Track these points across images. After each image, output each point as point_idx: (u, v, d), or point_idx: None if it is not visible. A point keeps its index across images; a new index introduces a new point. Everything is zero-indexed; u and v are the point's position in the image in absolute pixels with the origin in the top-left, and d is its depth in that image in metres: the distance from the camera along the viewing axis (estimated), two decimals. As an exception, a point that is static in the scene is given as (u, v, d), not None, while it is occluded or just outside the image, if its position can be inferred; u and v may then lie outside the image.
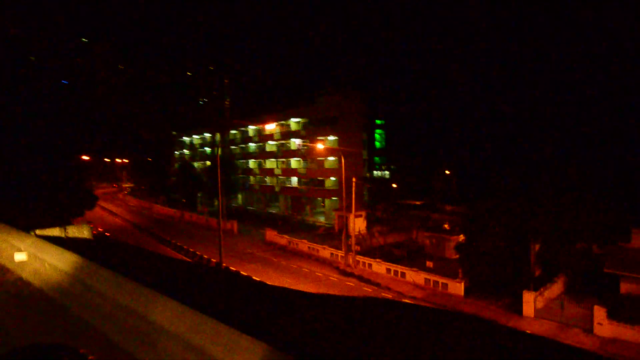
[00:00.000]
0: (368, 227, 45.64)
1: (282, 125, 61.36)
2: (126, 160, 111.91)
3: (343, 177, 33.31)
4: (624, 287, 22.76)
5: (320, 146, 36.32)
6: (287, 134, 58.93)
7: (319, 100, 52.57)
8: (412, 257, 34.45)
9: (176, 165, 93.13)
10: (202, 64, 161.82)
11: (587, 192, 23.45)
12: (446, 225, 36.66)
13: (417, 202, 58.18)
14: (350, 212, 46.64)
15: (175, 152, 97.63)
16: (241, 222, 51.25)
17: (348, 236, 34.43)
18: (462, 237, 34.86)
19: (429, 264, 28.88)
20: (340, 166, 50.68)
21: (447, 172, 63.02)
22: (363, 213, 46.40)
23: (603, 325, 19.29)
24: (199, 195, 72.94)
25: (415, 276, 27.90)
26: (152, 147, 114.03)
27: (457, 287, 25.35)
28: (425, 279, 27.24)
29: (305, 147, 55.51)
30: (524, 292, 21.94)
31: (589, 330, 19.72)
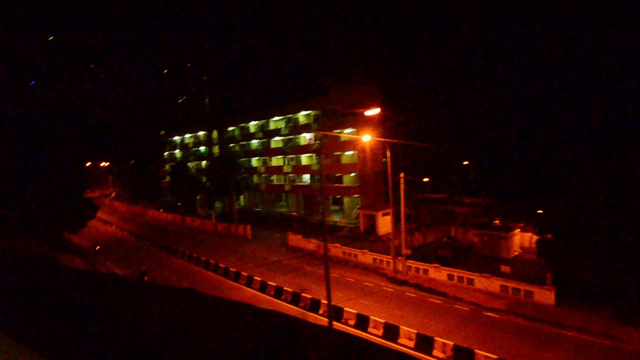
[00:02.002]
0: (397, 226, 42.01)
1: (289, 119, 56.88)
2: (106, 164, 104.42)
3: (389, 171, 29.28)
4: None
5: (366, 138, 31.93)
6: (296, 128, 54.53)
7: (333, 90, 48.33)
8: (461, 258, 31.01)
9: (167, 166, 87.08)
10: (183, 60, 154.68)
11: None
12: (497, 221, 33.32)
13: (438, 196, 55.05)
14: (377, 210, 43.02)
15: (165, 153, 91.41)
16: (251, 225, 46.71)
17: (383, 238, 30.59)
18: (532, 235, 31.58)
19: (505, 268, 25.38)
20: (362, 161, 47.03)
21: (465, 162, 60.17)
22: (390, 210, 42.68)
23: None
24: (197, 198, 67.74)
25: (488, 283, 24.34)
26: (138, 149, 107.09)
27: (546, 295, 21.91)
28: (502, 286, 23.71)
29: (319, 142, 51.27)
30: (644, 299, 18.66)
31: None
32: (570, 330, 19.23)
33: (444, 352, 16.90)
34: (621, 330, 18.52)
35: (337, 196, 52.01)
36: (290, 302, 24.46)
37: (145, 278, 30.27)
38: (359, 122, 45.73)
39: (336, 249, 34.83)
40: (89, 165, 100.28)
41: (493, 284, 24.13)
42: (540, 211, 33.16)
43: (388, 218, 42.78)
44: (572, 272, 20.86)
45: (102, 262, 36.30)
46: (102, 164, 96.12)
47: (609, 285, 20.15)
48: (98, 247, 39.12)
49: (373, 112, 14.09)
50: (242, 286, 28.35)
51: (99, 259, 37.46)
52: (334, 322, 21.19)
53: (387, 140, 29.26)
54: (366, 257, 32.20)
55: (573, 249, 20.78)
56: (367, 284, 27.78)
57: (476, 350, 16.20)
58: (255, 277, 28.04)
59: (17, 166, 25.98)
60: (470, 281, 25.30)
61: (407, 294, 25.45)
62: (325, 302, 22.90)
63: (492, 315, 21.52)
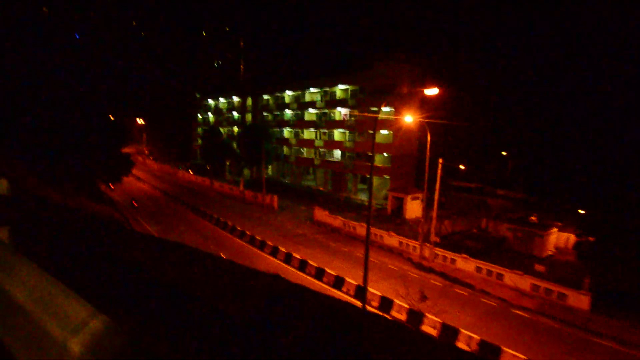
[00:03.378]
0: (426, 211, 41.13)
1: (325, 92, 55.79)
2: (142, 122, 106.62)
3: (428, 153, 28.24)
4: None
5: (408, 119, 30.87)
6: (332, 103, 53.50)
7: (377, 66, 46.66)
8: (491, 251, 30.07)
9: (199, 129, 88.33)
10: (221, 24, 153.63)
11: None
12: (534, 218, 31.90)
13: (471, 185, 53.30)
14: (407, 193, 42.18)
15: (198, 116, 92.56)
16: (278, 196, 46.95)
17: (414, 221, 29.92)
18: (571, 236, 30.07)
19: (539, 267, 24.41)
20: (396, 141, 45.81)
21: (503, 153, 57.60)
22: (420, 195, 41.70)
23: None
24: (227, 163, 68.64)
25: (519, 280, 23.50)
26: (173, 109, 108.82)
27: (581, 300, 20.93)
28: (533, 285, 22.83)
29: (354, 118, 50.23)
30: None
31: None
32: (605, 339, 18.36)
33: (468, 345, 16.53)
34: (662, 347, 17.49)
35: (367, 175, 51.28)
36: (314, 277, 24.58)
37: (135, 204, 36.01)
38: (397, 101, 44.22)
39: (362, 229, 34.54)
40: (125, 120, 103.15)
41: (524, 282, 23.27)
42: (582, 211, 31.51)
43: (417, 202, 41.94)
44: (613, 278, 19.70)
45: (134, 217, 37.69)
46: (138, 121, 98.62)
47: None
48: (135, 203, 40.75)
49: (432, 91, 13.23)
50: (267, 255, 28.71)
51: (133, 213, 38.91)
52: (357, 301, 21.15)
53: (429, 120, 28.06)
54: (392, 239, 31.79)
55: (617, 254, 19.54)
56: (391, 267, 27.50)
57: (503, 348, 15.73)
58: (281, 248, 28.30)
59: (60, 121, 26.72)
60: (500, 276, 24.52)
61: (432, 281, 25.02)
62: (350, 280, 22.89)
63: (521, 313, 20.84)
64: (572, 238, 30.50)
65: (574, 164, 49.95)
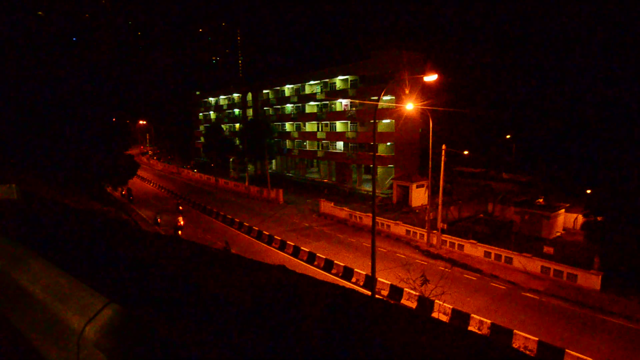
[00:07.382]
0: (431, 198, 41.01)
1: (325, 84, 55.46)
2: (144, 122, 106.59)
3: (431, 141, 28.12)
4: None
5: (409, 106, 30.70)
6: (332, 94, 53.21)
7: (375, 55, 46.24)
8: (498, 235, 29.98)
9: (201, 127, 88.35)
10: (218, 19, 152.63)
11: None
12: (541, 200, 31.73)
13: (476, 170, 53.01)
14: (412, 181, 42.06)
15: (199, 114, 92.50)
16: (283, 190, 47.01)
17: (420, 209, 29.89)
18: (579, 216, 29.97)
19: (548, 249, 24.32)
20: (398, 130, 45.58)
21: (507, 136, 57.12)
22: (425, 183, 41.57)
23: None
24: (230, 160, 68.72)
25: (528, 263, 23.46)
26: (174, 108, 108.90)
27: (591, 280, 20.87)
28: (543, 267, 22.80)
29: (355, 108, 49.96)
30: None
31: None
32: (616, 317, 18.35)
33: (479, 330, 16.60)
34: (674, 323, 17.46)
35: (371, 165, 51.18)
36: (323, 269, 24.71)
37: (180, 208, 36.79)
38: (398, 89, 43.90)
39: (368, 219, 34.55)
40: (128, 122, 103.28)
41: (533, 264, 23.24)
42: (589, 191, 31.30)
43: (422, 190, 41.85)
44: (623, 257, 19.62)
45: (142, 217, 37.98)
46: (140, 122, 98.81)
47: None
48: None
49: (431, 78, 13.15)
50: (275, 249, 28.87)
51: (138, 212, 39.20)
52: (367, 291, 21.24)
53: (430, 107, 27.88)
54: (399, 228, 31.81)
55: (626, 232, 19.43)
56: (399, 255, 27.56)
57: (515, 331, 15.77)
58: (289, 242, 28.43)
59: (64, 125, 26.82)
60: (509, 260, 24.49)
61: (441, 268, 25.01)
62: (359, 270, 22.99)
63: (531, 295, 20.85)
64: (580, 218, 30.40)
65: (578, 144, 49.51)
